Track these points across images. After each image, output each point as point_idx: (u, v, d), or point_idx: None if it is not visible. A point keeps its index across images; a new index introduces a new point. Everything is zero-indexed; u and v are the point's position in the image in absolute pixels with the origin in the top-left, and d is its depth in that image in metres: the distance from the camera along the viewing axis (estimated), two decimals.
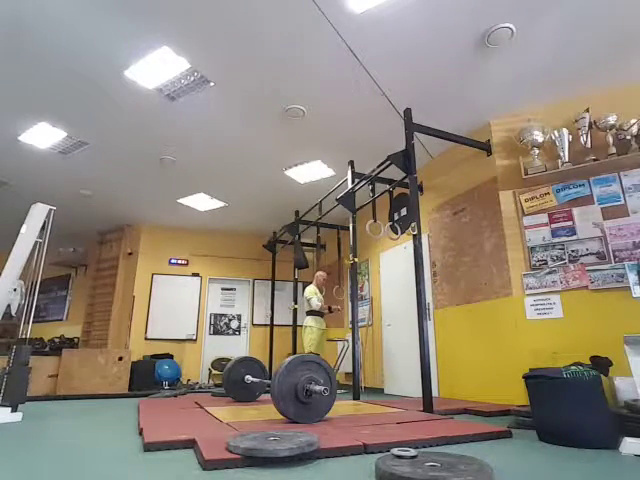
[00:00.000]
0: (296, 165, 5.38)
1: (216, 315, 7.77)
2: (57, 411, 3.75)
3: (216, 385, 6.58)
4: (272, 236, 7.36)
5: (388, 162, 3.89)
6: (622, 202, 3.54)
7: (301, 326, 5.63)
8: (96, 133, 4.62)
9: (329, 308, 5.60)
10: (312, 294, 5.51)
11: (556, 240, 3.73)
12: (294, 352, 6.11)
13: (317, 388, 2.63)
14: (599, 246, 3.53)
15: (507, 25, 3.11)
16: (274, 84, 3.81)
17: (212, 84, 3.78)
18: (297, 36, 3.25)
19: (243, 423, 2.64)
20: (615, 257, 3.44)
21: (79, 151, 4.95)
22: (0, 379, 3.11)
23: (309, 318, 5.45)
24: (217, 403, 3.84)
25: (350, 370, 4.95)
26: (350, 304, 4.70)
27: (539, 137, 3.84)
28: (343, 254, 6.12)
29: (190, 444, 2.07)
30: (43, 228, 3.59)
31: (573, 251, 3.64)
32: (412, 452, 1.63)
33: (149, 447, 2.04)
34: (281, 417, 2.71)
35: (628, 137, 3.53)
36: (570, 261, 3.63)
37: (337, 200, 4.74)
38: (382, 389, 5.56)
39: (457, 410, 3.36)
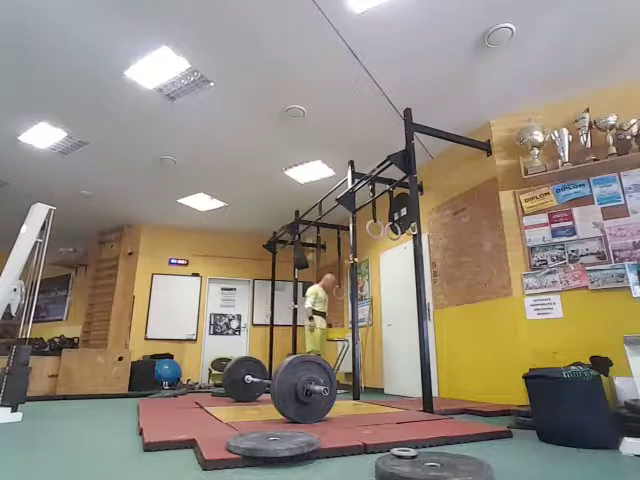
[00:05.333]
0: (296, 165, 5.38)
1: (216, 315, 7.77)
2: (57, 411, 3.75)
3: (216, 385, 6.57)
4: (272, 236, 7.36)
5: (388, 162, 3.89)
6: (622, 202, 3.54)
7: (301, 326, 5.64)
8: (96, 133, 4.62)
9: (310, 317, 5.46)
10: (311, 294, 5.54)
11: (556, 240, 3.73)
12: (294, 352, 6.11)
13: (317, 388, 2.63)
14: (599, 246, 3.53)
15: (507, 25, 3.11)
16: (274, 84, 3.81)
17: (212, 84, 3.78)
18: (297, 36, 3.25)
19: (243, 423, 2.64)
20: (615, 257, 3.44)
21: (79, 151, 4.95)
22: (0, 379, 3.11)
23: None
24: (217, 403, 3.84)
25: (350, 370, 4.95)
26: (350, 304, 4.70)
27: (539, 137, 3.84)
28: (343, 254, 6.12)
29: (190, 444, 2.07)
30: (43, 228, 3.59)
31: (573, 251, 3.64)
32: (412, 452, 1.63)
33: (149, 447, 2.04)
34: (281, 417, 2.72)
35: (628, 137, 3.53)
36: (570, 261, 3.63)
37: (337, 200, 4.74)
38: (382, 389, 5.56)
39: (457, 410, 3.36)
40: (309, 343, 5.40)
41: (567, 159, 3.72)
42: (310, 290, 5.61)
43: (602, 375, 2.33)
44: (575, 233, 3.67)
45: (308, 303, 5.47)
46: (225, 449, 1.83)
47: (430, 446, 2.08)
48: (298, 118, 4.31)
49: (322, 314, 5.54)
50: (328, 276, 5.88)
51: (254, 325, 7.86)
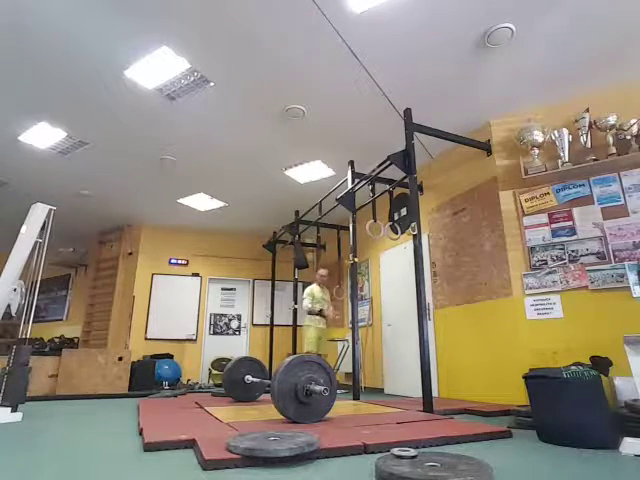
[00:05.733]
0: (296, 165, 5.39)
1: (216, 315, 7.77)
2: (57, 411, 3.75)
3: (216, 385, 6.58)
4: (272, 236, 7.36)
5: (388, 162, 3.89)
6: (622, 202, 3.54)
7: (301, 326, 5.64)
8: (96, 133, 4.62)
9: (320, 311, 5.44)
10: (307, 295, 5.51)
11: (556, 240, 3.73)
12: (294, 352, 6.11)
13: (317, 388, 2.63)
14: (599, 246, 3.53)
15: (507, 25, 3.11)
16: (274, 84, 3.81)
17: (212, 84, 3.78)
18: (297, 36, 3.25)
19: (243, 423, 2.64)
20: (615, 257, 3.44)
21: (79, 151, 4.95)
22: (0, 379, 3.11)
23: (307, 317, 5.46)
24: (217, 403, 3.84)
25: (350, 370, 4.95)
26: (350, 304, 4.70)
27: (539, 137, 3.84)
28: (343, 254, 6.12)
29: (190, 444, 2.07)
30: (43, 228, 3.59)
31: (573, 251, 3.64)
32: (412, 452, 1.63)
33: (149, 447, 2.04)
34: (281, 417, 2.71)
35: (628, 137, 3.53)
36: (570, 261, 3.63)
37: (337, 200, 4.74)
38: (382, 389, 5.56)
39: (457, 410, 3.36)
40: (306, 344, 5.34)
41: (567, 159, 3.72)
42: (306, 291, 5.57)
43: (602, 375, 2.33)
44: (575, 233, 3.67)
45: (305, 303, 5.43)
46: (225, 449, 1.83)
47: (430, 446, 2.08)
48: (298, 118, 4.31)
49: (320, 313, 5.49)
50: (319, 272, 5.71)
51: (254, 325, 7.86)
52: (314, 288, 5.60)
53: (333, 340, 6.19)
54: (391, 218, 4.68)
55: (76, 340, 7.48)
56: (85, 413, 3.65)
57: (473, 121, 4.33)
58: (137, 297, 7.17)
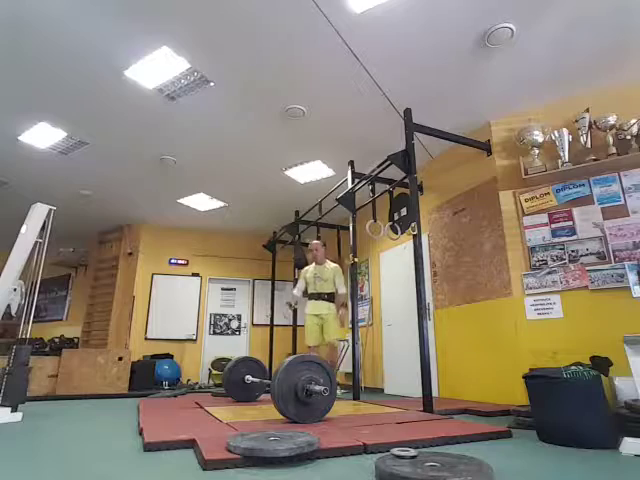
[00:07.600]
0: (296, 165, 5.38)
1: (216, 315, 7.77)
2: (57, 411, 3.75)
3: (216, 385, 6.58)
4: (272, 236, 7.36)
5: (388, 162, 3.89)
6: (622, 202, 3.53)
7: (301, 326, 5.62)
8: (96, 133, 4.62)
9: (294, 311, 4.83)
10: (300, 279, 4.91)
11: (556, 240, 3.73)
12: (294, 352, 6.11)
13: (317, 388, 2.63)
14: (599, 246, 3.53)
15: (507, 25, 3.11)
16: (274, 84, 3.81)
17: (212, 84, 3.78)
18: (297, 36, 3.24)
19: (243, 423, 2.64)
20: (615, 257, 3.44)
21: (79, 151, 4.95)
22: (0, 379, 3.11)
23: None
24: (217, 403, 3.84)
25: (350, 370, 4.94)
26: (350, 304, 4.70)
27: (539, 137, 3.84)
28: (343, 254, 6.12)
29: (190, 444, 2.07)
30: (43, 228, 3.59)
31: (573, 251, 3.64)
32: (412, 452, 1.63)
33: (149, 447, 2.04)
34: (281, 417, 2.71)
35: (628, 137, 3.53)
36: (570, 261, 3.63)
37: (337, 200, 4.74)
38: (382, 389, 5.56)
39: (457, 410, 3.36)
40: (308, 335, 4.64)
41: (567, 159, 3.72)
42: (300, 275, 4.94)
43: (602, 375, 2.33)
44: (575, 233, 3.67)
45: (295, 290, 4.88)
46: (225, 449, 1.83)
47: (430, 446, 2.08)
48: (298, 118, 4.31)
49: (314, 297, 4.69)
50: (309, 246, 4.95)
51: (254, 325, 7.87)
52: (307, 268, 4.88)
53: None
54: (391, 218, 4.68)
55: (76, 340, 7.47)
56: (85, 413, 3.65)
57: (473, 121, 4.33)
58: (137, 297, 7.17)
